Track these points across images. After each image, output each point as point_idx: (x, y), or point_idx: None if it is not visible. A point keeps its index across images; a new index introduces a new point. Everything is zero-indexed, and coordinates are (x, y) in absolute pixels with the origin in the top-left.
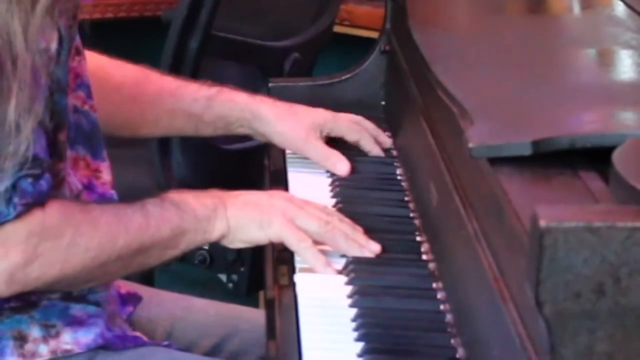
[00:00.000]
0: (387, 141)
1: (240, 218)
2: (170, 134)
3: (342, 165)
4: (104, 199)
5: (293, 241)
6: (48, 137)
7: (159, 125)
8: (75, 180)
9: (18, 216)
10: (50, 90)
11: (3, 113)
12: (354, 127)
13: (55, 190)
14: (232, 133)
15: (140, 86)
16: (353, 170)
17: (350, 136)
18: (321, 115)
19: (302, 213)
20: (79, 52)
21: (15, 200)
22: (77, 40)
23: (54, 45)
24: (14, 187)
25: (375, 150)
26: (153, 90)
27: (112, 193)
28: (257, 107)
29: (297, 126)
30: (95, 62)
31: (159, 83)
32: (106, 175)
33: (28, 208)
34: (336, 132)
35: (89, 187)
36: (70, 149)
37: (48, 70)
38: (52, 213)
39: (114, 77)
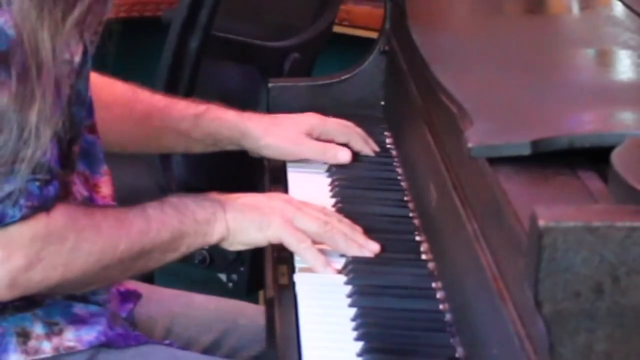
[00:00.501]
0: (375, 146)
1: (240, 220)
2: (160, 151)
3: (342, 154)
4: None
5: (292, 242)
6: (61, 148)
7: (148, 143)
8: (80, 188)
9: (22, 219)
10: (69, 102)
11: (24, 117)
12: (343, 129)
13: (62, 199)
14: (222, 149)
15: (129, 105)
16: (353, 161)
17: (340, 137)
18: (308, 121)
19: (301, 214)
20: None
21: (21, 202)
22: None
23: (77, 59)
24: (21, 190)
25: (365, 149)
26: (142, 109)
27: (113, 205)
28: (245, 125)
29: (285, 134)
30: None
31: (148, 101)
32: (105, 189)
33: (33, 211)
34: (325, 135)
35: (90, 200)
36: None
37: (70, 82)
38: (57, 217)
39: (103, 96)
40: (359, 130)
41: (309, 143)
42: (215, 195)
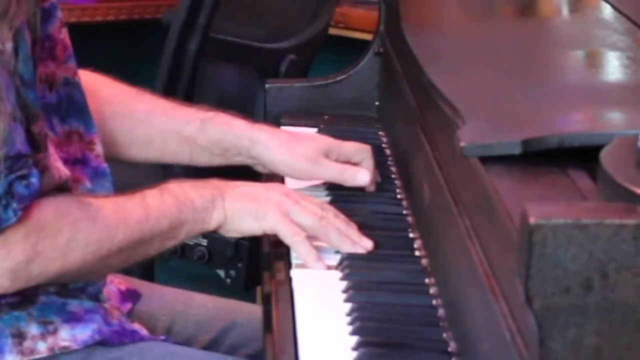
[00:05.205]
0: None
1: (237, 209)
2: (164, 158)
3: (362, 175)
4: (97, 173)
5: (286, 234)
6: (26, 130)
7: (150, 146)
8: (61, 165)
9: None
10: (16, 87)
11: None
12: (359, 150)
13: (44, 181)
14: (230, 163)
15: (131, 103)
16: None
17: (355, 158)
18: (325, 142)
19: (297, 207)
20: (64, 24)
21: (14, 205)
22: (60, 14)
23: (9, 45)
24: (7, 192)
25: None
26: (145, 108)
27: (105, 167)
28: (256, 134)
29: (303, 151)
30: (86, 77)
31: (152, 102)
32: (99, 147)
33: (25, 210)
34: (342, 158)
35: (83, 160)
36: (61, 124)
37: (9, 69)
38: (47, 212)
39: (104, 91)
40: (371, 155)
41: (328, 163)
42: (215, 182)
